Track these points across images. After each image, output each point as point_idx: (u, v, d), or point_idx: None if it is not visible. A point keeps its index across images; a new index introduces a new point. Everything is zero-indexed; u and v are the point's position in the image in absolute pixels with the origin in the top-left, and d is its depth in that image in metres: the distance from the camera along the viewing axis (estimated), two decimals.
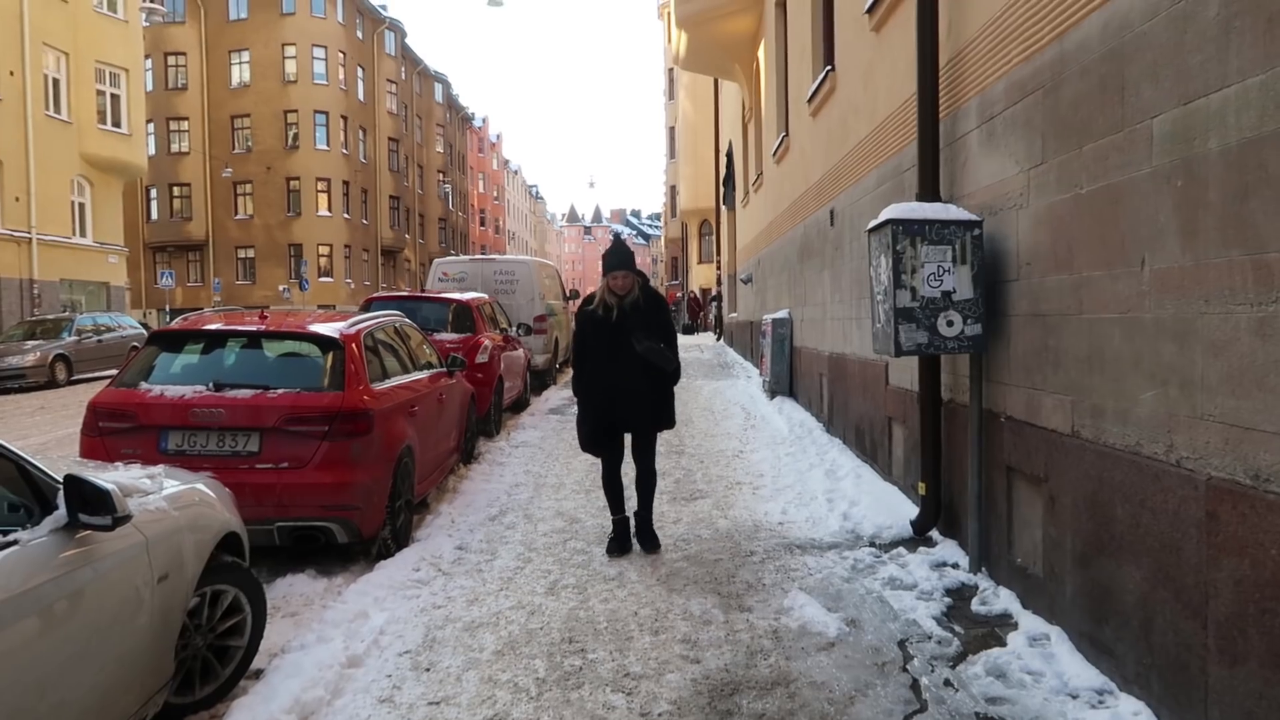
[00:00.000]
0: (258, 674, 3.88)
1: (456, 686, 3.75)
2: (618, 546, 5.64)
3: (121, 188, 31.32)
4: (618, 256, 5.58)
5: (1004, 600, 4.51)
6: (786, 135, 12.66)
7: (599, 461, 5.82)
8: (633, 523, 5.78)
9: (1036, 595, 4.29)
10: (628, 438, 5.77)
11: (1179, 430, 3.05)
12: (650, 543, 5.70)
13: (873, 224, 5.05)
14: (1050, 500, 4.10)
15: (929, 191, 5.39)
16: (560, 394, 15.34)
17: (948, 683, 3.69)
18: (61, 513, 2.77)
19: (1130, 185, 3.36)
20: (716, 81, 26.06)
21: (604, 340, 5.53)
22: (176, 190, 45.96)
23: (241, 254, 46.60)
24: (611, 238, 5.45)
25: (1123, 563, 3.45)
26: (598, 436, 5.66)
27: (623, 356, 5.46)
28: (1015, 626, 4.21)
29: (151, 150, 40.15)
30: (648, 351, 5.44)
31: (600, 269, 5.73)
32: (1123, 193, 3.42)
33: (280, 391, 5.43)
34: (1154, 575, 3.22)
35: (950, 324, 4.70)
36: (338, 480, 5.28)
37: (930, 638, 4.16)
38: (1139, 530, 3.32)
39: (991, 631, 4.22)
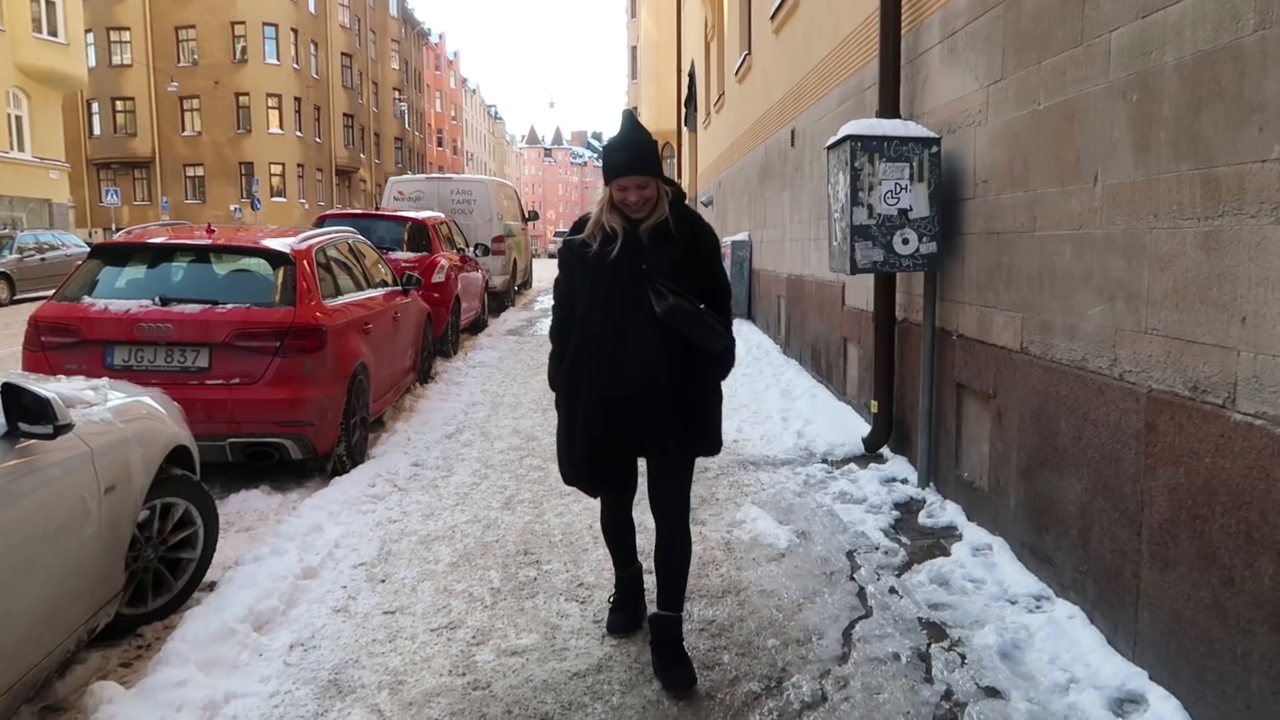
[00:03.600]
0: (211, 586, 3.88)
1: (412, 597, 3.79)
2: (621, 617, 3.46)
3: (60, 101, 30.12)
4: (631, 150, 3.02)
5: (950, 513, 4.63)
6: (749, 54, 12.45)
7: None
8: (643, 589, 3.53)
9: (981, 508, 4.41)
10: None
11: (1123, 344, 3.11)
12: (678, 669, 3.09)
13: (832, 140, 5.02)
14: (998, 416, 4.18)
15: (889, 109, 5.35)
16: (519, 315, 15.29)
17: (893, 590, 3.80)
18: (0, 422, 2.71)
19: (1086, 100, 3.35)
20: None
21: (602, 295, 3.05)
22: (119, 104, 44.27)
23: (190, 172, 45.25)
24: (621, 118, 3.14)
25: (1064, 474, 3.54)
26: (592, 462, 3.15)
27: (635, 324, 3.01)
28: (960, 538, 4.33)
29: (91, 62, 38.55)
30: (674, 316, 2.95)
31: (601, 175, 3.23)
32: (1079, 108, 3.41)
33: (230, 307, 5.33)
34: (1093, 486, 3.31)
35: (906, 242, 4.71)
36: (290, 396, 5.23)
37: (878, 548, 4.27)
38: (1081, 443, 3.40)
39: (937, 542, 4.34)
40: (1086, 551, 3.37)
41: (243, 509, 5.05)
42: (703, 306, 3.04)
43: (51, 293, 5.78)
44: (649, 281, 2.99)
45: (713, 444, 3.23)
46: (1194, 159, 2.73)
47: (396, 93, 61.23)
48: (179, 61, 44.00)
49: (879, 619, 3.53)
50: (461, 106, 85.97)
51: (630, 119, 3.08)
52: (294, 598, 3.75)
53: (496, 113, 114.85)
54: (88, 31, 35.86)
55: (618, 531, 3.43)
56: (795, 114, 8.98)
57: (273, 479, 5.52)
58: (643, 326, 3.00)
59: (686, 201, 3.18)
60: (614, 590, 3.55)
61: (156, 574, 3.65)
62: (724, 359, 3.17)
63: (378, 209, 15.78)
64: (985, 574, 3.87)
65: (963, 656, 3.21)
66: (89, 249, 6.46)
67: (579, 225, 3.19)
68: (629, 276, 3.01)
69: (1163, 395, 2.88)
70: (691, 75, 23.77)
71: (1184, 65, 2.78)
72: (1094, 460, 3.31)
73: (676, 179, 32.21)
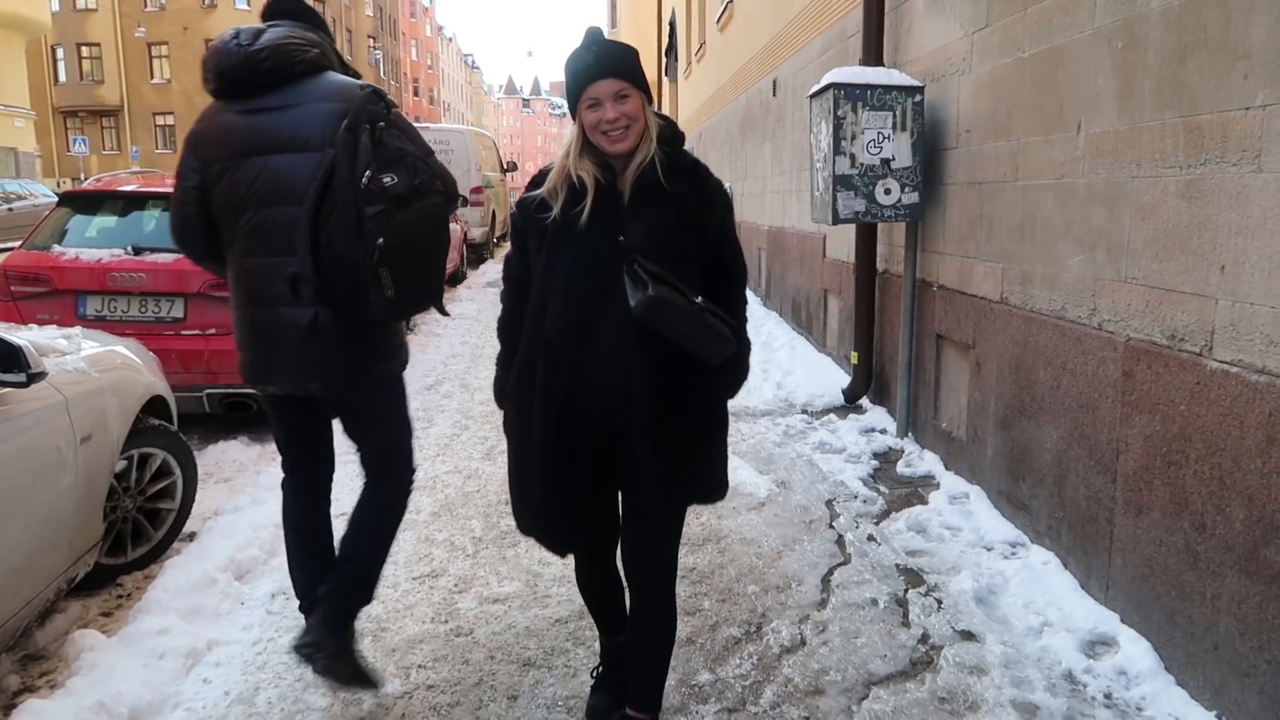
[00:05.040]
0: (191, 536, 3.87)
1: (394, 546, 3.78)
2: (605, 700, 2.57)
3: (24, 46, 29.31)
4: (602, 50, 2.18)
5: (928, 462, 4.68)
6: (731, 1, 12.27)
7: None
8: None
9: (959, 457, 4.46)
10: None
11: (1103, 294, 3.13)
12: None
13: (815, 89, 4.96)
14: (977, 366, 4.21)
15: (873, 57, 5.29)
16: (498, 268, 15.16)
17: (871, 538, 3.84)
18: None
19: (1071, 48, 3.33)
20: None
21: (561, 279, 2.18)
22: (85, 50, 43.12)
23: (160, 120, 44.30)
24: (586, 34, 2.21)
25: (1042, 423, 3.58)
26: (554, 506, 2.28)
27: (606, 321, 2.17)
28: (937, 486, 4.38)
29: (55, 6, 37.45)
30: (655, 313, 2.08)
31: (566, 99, 2.26)
32: (1064, 56, 3.39)
33: None
34: (1070, 434, 3.35)
35: (888, 192, 4.69)
36: None
37: (856, 497, 4.31)
38: (1059, 392, 3.43)
39: (915, 491, 4.39)
40: (1062, 499, 3.42)
41: (221, 460, 5.03)
42: (699, 300, 2.13)
43: (19, 243, 5.67)
44: (627, 257, 2.12)
45: (711, 489, 2.36)
46: (1178, 107, 2.72)
47: (371, 40, 59.96)
48: (146, 6, 42.84)
49: (857, 565, 3.58)
50: (438, 55, 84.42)
51: (597, 30, 2.23)
52: (275, 547, 3.73)
53: (473, 62, 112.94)
54: None
55: (600, 591, 2.57)
56: (777, 63, 8.87)
57: (251, 430, 5.49)
58: (615, 325, 2.13)
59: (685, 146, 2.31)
60: (599, 661, 2.68)
61: (135, 524, 3.64)
62: (732, 372, 2.30)
63: None
64: (962, 522, 3.92)
65: (939, 602, 3.26)
66: (57, 198, 6.36)
67: (538, 180, 2.28)
68: (601, 253, 2.14)
69: (1141, 344, 2.90)
70: (672, 24, 23.43)
71: (1170, 11, 2.75)
72: (1071, 409, 3.34)
73: None
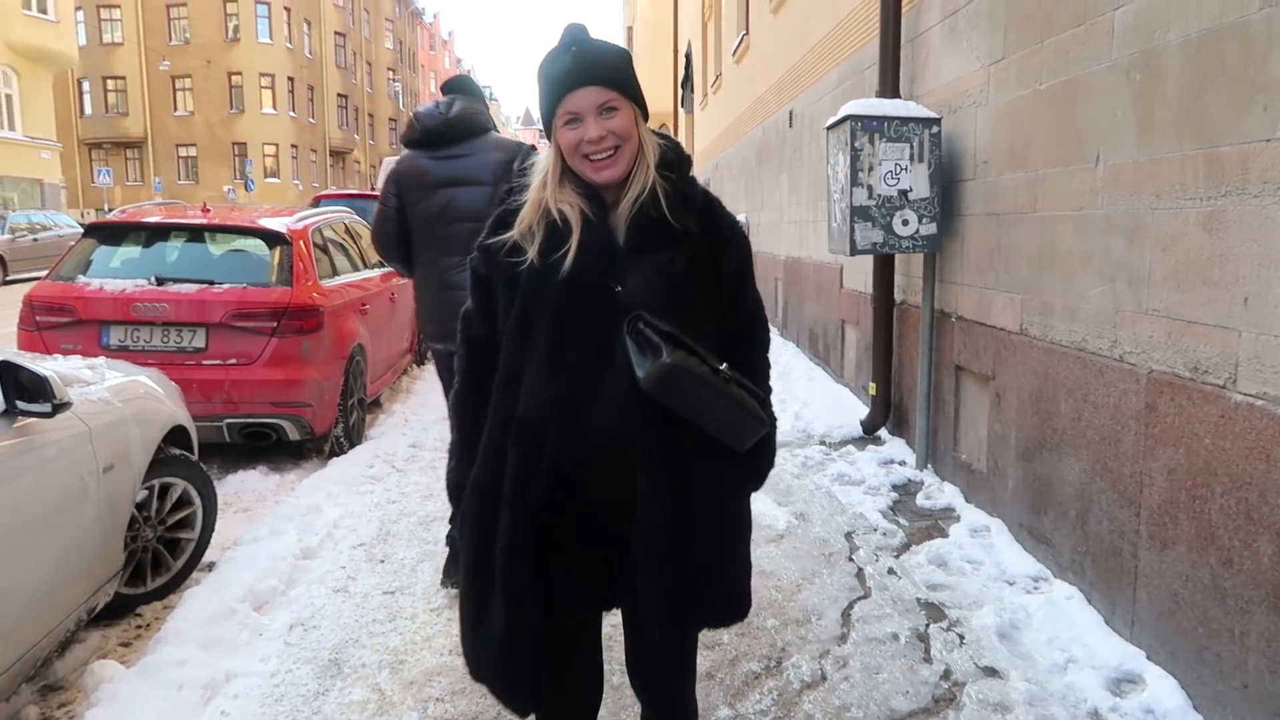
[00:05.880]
0: (210, 566, 3.88)
1: (411, 577, 3.79)
2: None
3: (51, 79, 29.89)
4: (581, 53, 1.70)
5: (948, 495, 4.64)
6: (747, 34, 12.38)
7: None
8: None
9: (979, 490, 4.42)
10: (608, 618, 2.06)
11: (1124, 325, 3.11)
12: None
13: (832, 120, 4.99)
14: (996, 397, 4.19)
15: (889, 89, 5.32)
16: None
17: (891, 571, 3.81)
18: None
19: (1089, 80, 3.34)
20: None
21: (542, 343, 1.72)
22: (111, 84, 43.91)
23: (183, 152, 44.98)
24: (564, 32, 1.75)
25: (1063, 456, 3.54)
26: (517, 651, 1.75)
27: (601, 396, 1.70)
28: (958, 519, 4.34)
29: (82, 40, 38.22)
30: (671, 384, 1.62)
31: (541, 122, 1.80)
32: (1081, 88, 3.39)
33: (226, 287, 5.30)
34: (1092, 467, 3.32)
35: (906, 223, 4.70)
36: (288, 377, 5.22)
37: (876, 530, 4.28)
38: (1080, 424, 3.41)
39: (935, 524, 4.35)
40: (1085, 533, 3.38)
41: (241, 490, 5.05)
42: (724, 367, 1.72)
43: (45, 273, 5.75)
44: (626, 318, 1.68)
45: (728, 611, 1.94)
46: (1197, 139, 2.72)
47: (391, 73, 60.82)
48: (170, 40, 43.67)
49: (878, 599, 3.54)
50: None
51: (579, 28, 1.77)
52: (293, 578, 3.75)
53: (491, 93, 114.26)
54: (78, 9, 35.59)
55: None
56: (793, 95, 8.93)
57: (270, 460, 5.52)
58: (614, 401, 1.69)
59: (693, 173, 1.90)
60: None
61: (155, 554, 3.65)
62: (759, 459, 1.88)
63: (373, 189, 15.70)
64: (983, 555, 3.88)
65: (961, 637, 3.22)
66: (82, 229, 6.46)
67: (504, 220, 1.80)
68: (592, 308, 1.71)
69: (1163, 376, 2.88)
70: (688, 56, 23.63)
71: (1188, 44, 2.76)
72: (1093, 441, 3.31)
73: None
